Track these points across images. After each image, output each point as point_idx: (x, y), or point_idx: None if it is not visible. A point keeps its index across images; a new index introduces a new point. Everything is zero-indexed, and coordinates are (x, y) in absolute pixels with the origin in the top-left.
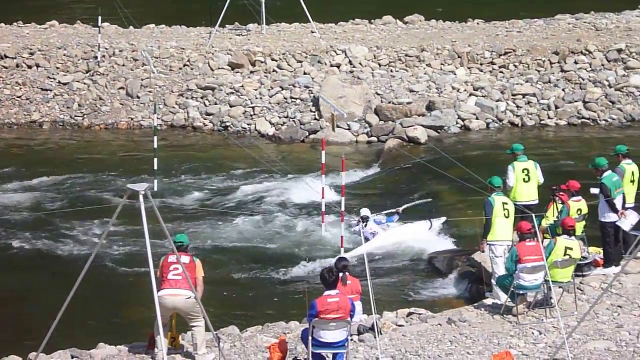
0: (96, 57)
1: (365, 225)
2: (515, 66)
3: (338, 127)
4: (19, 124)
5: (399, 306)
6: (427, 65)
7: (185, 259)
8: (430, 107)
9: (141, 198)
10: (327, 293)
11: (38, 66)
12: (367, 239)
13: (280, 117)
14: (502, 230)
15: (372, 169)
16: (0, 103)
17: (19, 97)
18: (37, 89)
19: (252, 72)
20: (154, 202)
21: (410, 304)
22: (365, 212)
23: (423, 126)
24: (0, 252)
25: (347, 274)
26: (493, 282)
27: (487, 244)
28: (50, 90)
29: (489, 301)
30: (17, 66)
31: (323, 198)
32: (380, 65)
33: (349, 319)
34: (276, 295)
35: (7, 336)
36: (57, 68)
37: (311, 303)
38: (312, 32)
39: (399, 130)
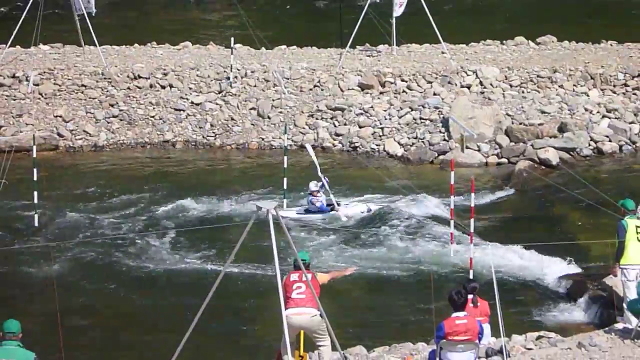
0: (228, 78)
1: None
2: None
3: (467, 147)
4: (152, 143)
5: (527, 329)
6: (559, 86)
7: (308, 276)
8: (562, 129)
9: (270, 216)
10: (455, 314)
11: (171, 86)
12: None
13: (409, 138)
14: (635, 253)
15: (502, 190)
16: (134, 122)
17: (152, 116)
18: (170, 108)
19: (381, 93)
20: (282, 219)
21: (539, 327)
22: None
23: (554, 148)
24: (130, 270)
25: (477, 295)
26: (624, 306)
27: (619, 268)
28: (183, 110)
29: (619, 325)
30: (151, 86)
31: (452, 219)
32: (511, 85)
33: (477, 341)
34: (403, 315)
35: (134, 355)
36: (190, 88)
37: (439, 324)
38: (443, 53)
39: (530, 151)
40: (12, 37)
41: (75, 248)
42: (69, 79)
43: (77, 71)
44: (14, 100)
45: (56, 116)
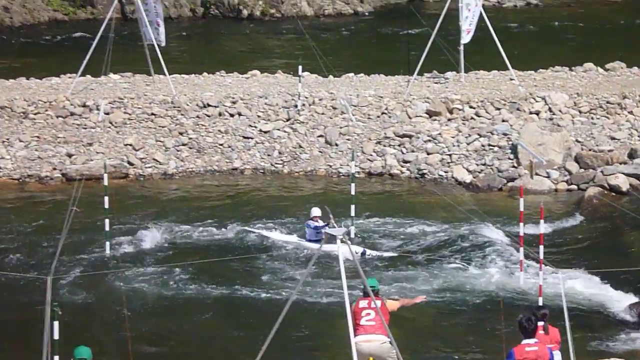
0: (296, 106)
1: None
2: None
3: (536, 174)
4: (221, 170)
5: (598, 356)
6: (628, 112)
7: (378, 302)
8: (632, 155)
9: (338, 242)
10: (525, 341)
11: (240, 114)
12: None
13: (477, 165)
14: None
15: (572, 217)
16: (203, 150)
17: (221, 144)
18: (238, 136)
19: (449, 120)
20: (351, 246)
21: (610, 354)
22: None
23: (624, 174)
24: (199, 297)
25: (547, 322)
26: None
27: None
28: (252, 138)
29: None
30: (220, 114)
31: (521, 246)
32: (580, 112)
33: None
34: (472, 342)
35: None
36: (258, 116)
37: (509, 352)
38: (511, 79)
39: (600, 178)
40: (83, 66)
41: (146, 275)
42: (138, 108)
43: (146, 100)
44: (85, 129)
45: (126, 144)
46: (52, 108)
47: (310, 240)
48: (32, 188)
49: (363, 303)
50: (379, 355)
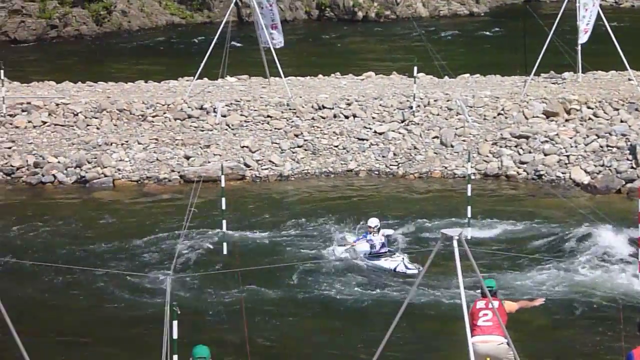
0: (411, 107)
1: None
2: None
3: None
4: (336, 172)
5: None
6: None
7: (495, 303)
8: None
9: (455, 243)
10: None
11: (354, 116)
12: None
13: (595, 166)
14: None
15: None
16: (318, 152)
17: (336, 146)
18: (353, 138)
19: (567, 120)
20: (467, 247)
21: None
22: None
23: None
24: (314, 298)
25: None
26: None
27: None
28: (366, 140)
29: None
30: (335, 116)
31: None
32: None
33: None
34: (590, 344)
35: None
36: (373, 118)
37: (628, 354)
38: (629, 80)
39: None
40: (200, 69)
41: (263, 275)
42: (255, 110)
43: (262, 102)
44: (202, 131)
45: (243, 146)
46: (170, 111)
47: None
48: (150, 189)
49: (480, 304)
50: (495, 355)
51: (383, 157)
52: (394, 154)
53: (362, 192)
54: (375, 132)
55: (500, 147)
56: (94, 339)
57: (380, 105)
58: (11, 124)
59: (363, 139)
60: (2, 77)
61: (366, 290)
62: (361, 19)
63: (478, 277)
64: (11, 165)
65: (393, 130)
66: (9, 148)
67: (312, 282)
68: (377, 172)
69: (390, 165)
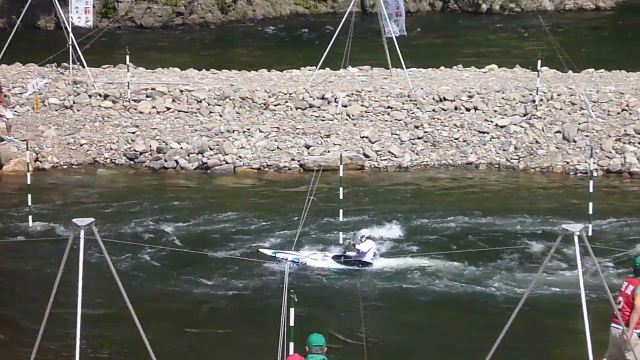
0: (534, 101)
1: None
2: None
3: None
4: (455, 165)
5: None
6: None
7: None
8: None
9: (576, 239)
10: None
11: (476, 109)
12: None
13: None
14: None
15: None
16: (438, 144)
17: (456, 138)
18: (474, 131)
19: None
20: (589, 244)
21: None
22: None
23: None
24: (431, 289)
25: None
26: None
27: None
28: (487, 133)
29: None
30: (455, 108)
31: None
32: None
33: None
34: None
35: None
36: (495, 111)
37: None
38: None
39: None
40: (322, 59)
41: (381, 266)
42: (375, 101)
43: (383, 93)
44: (323, 120)
45: (362, 137)
46: (291, 100)
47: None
48: (270, 177)
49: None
50: (621, 344)
51: (504, 150)
52: (515, 148)
53: (481, 186)
54: (496, 125)
55: (624, 143)
56: (210, 324)
57: (502, 98)
58: (135, 109)
59: (484, 132)
60: (128, 63)
61: (482, 283)
62: (485, 11)
63: (599, 274)
64: (135, 150)
65: (515, 124)
66: (133, 133)
67: (427, 273)
68: (497, 166)
69: (511, 159)
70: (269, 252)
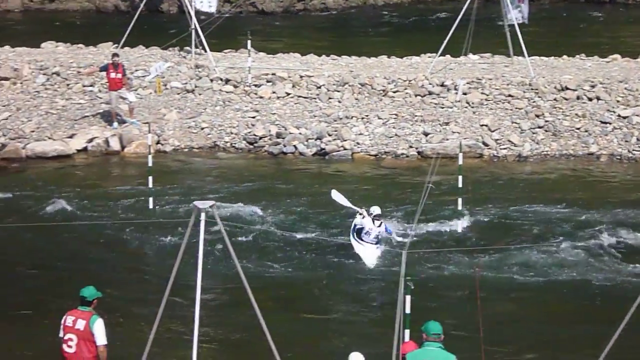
0: None
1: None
2: None
3: None
4: (576, 155)
5: None
6: None
7: None
8: None
9: None
10: None
11: (598, 99)
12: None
13: None
14: None
15: None
16: (559, 134)
17: (578, 128)
18: (596, 121)
19: None
20: None
21: None
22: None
23: None
24: (544, 278)
25: None
26: None
27: None
28: (609, 123)
29: None
30: (577, 98)
31: None
32: None
33: None
34: None
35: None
36: (617, 101)
37: None
38: None
39: None
40: (443, 46)
41: (498, 255)
42: (496, 89)
43: (504, 81)
44: (442, 108)
45: (482, 125)
46: (411, 87)
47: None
48: (387, 164)
49: None
50: None
51: (626, 141)
52: (638, 139)
53: (602, 177)
54: (619, 115)
55: None
56: (326, 310)
57: (625, 88)
58: (256, 94)
59: (606, 123)
60: (249, 48)
61: (594, 274)
62: (609, 0)
63: None
64: (254, 135)
65: (637, 115)
66: (253, 117)
67: (550, 264)
68: (619, 157)
69: (634, 150)
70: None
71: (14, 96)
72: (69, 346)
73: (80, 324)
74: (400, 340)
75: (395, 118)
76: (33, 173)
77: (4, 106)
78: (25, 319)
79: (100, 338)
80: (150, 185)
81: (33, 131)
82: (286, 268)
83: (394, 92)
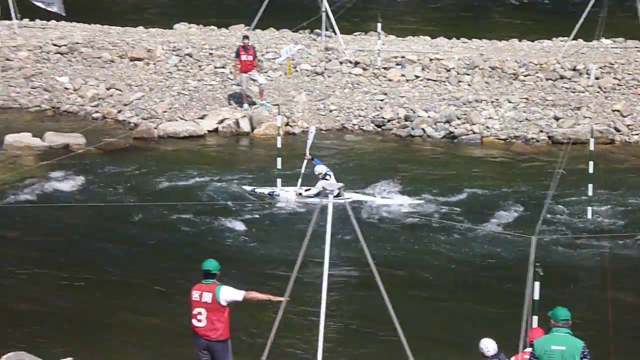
0: None
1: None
2: None
3: None
4: None
5: None
6: None
7: None
8: None
9: None
10: None
11: None
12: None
13: None
14: None
15: None
16: None
17: None
18: None
19: None
20: None
21: None
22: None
23: None
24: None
25: None
26: None
27: None
28: None
29: None
30: None
31: None
32: None
33: None
34: None
35: None
36: None
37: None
38: None
39: None
40: (575, 30)
41: (627, 242)
42: (629, 74)
43: (637, 66)
44: (573, 92)
45: (614, 110)
46: (542, 70)
47: None
48: (517, 149)
49: None
50: None
51: None
52: None
53: None
54: None
55: None
56: (452, 295)
57: None
58: (385, 76)
59: None
60: (379, 31)
61: None
62: None
63: None
64: (382, 117)
65: None
66: (381, 100)
67: None
68: None
69: None
70: (248, 188)
71: (147, 77)
72: (199, 320)
73: (207, 297)
74: (528, 326)
75: (525, 102)
76: (165, 153)
77: (137, 86)
78: (159, 294)
79: (235, 296)
80: (279, 166)
81: (165, 111)
82: (413, 252)
83: (525, 75)
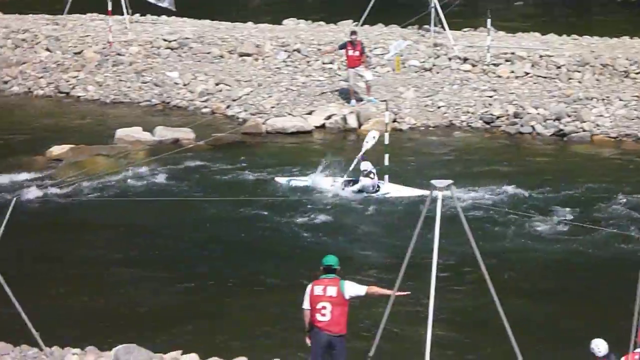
0: None
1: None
2: None
3: None
4: None
5: None
6: None
7: None
8: None
9: None
10: None
11: None
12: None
13: None
14: None
15: None
16: None
17: None
18: None
19: None
20: None
21: None
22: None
23: None
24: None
25: None
26: None
27: None
28: None
29: None
30: None
31: None
32: None
33: None
34: None
35: None
36: None
37: None
38: None
39: None
40: None
41: None
42: None
43: None
44: None
45: None
46: None
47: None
48: (628, 147)
49: None
50: None
51: None
52: None
53: None
54: None
55: None
56: (560, 292)
57: None
58: (494, 73)
59: None
60: (489, 27)
61: None
62: None
63: None
64: (491, 114)
65: None
66: (490, 97)
67: None
68: None
69: None
70: (283, 180)
71: (256, 72)
72: (323, 314)
73: (332, 291)
74: (639, 327)
75: (637, 100)
76: (273, 148)
77: (246, 82)
78: (269, 291)
79: (359, 291)
80: (387, 162)
81: (273, 107)
82: (522, 249)
83: (637, 73)
